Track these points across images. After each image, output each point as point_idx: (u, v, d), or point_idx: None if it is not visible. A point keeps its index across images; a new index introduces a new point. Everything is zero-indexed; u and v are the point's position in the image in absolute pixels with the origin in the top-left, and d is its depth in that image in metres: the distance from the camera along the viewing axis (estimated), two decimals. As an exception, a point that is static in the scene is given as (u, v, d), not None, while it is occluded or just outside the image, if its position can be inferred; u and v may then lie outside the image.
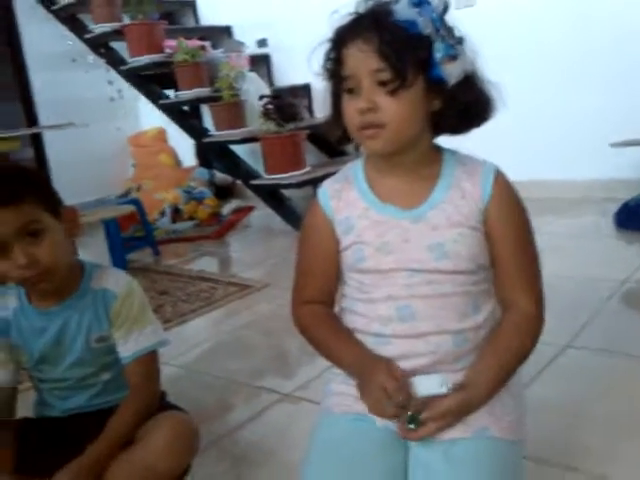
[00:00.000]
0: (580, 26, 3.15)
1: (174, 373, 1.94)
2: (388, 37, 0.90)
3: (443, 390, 0.93)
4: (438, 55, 0.91)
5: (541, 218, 2.95)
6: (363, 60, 0.91)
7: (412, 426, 0.90)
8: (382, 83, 0.91)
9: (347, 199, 1.03)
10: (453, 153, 1.03)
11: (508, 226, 0.99)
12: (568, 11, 3.17)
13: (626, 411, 1.41)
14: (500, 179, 1.00)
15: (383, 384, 0.92)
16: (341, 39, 0.95)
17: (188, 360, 2.05)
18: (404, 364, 0.97)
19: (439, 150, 1.03)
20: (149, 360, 1.24)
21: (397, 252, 0.98)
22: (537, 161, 3.36)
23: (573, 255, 2.51)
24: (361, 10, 0.95)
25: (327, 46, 0.97)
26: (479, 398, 0.95)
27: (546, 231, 2.78)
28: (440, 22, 0.92)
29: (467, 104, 0.95)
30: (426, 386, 0.94)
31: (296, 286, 1.11)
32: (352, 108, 0.94)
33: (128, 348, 1.21)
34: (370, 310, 1.00)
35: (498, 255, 0.99)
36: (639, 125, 2.89)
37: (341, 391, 1.05)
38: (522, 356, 1.00)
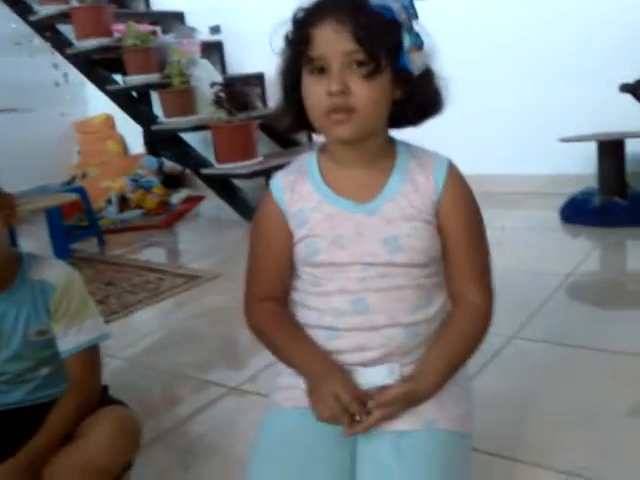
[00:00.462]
0: (534, 22, 3.20)
1: (119, 366, 1.90)
2: (364, 20, 0.88)
3: (389, 381, 0.93)
4: (407, 43, 0.91)
5: (490, 211, 2.97)
6: (336, 41, 0.88)
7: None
8: (357, 64, 0.89)
9: (301, 191, 1.01)
10: (407, 146, 1.03)
11: (460, 219, 0.99)
12: (523, 7, 3.21)
13: (571, 401, 1.43)
14: (452, 172, 1.00)
15: (336, 393, 0.91)
16: (310, 18, 0.91)
17: (134, 352, 2.01)
18: (355, 357, 0.97)
19: (393, 142, 1.02)
20: (90, 354, 1.20)
21: (351, 246, 0.97)
22: (488, 155, 3.40)
23: (521, 248, 2.55)
24: None
25: (291, 24, 0.94)
26: (427, 389, 0.94)
27: (496, 225, 2.83)
28: (412, 10, 0.92)
29: (425, 96, 0.95)
30: (372, 377, 0.94)
31: (248, 283, 1.07)
32: (320, 90, 0.91)
33: (68, 342, 1.18)
34: (323, 303, 0.99)
35: (450, 248, 1.00)
36: (589, 121, 2.95)
37: (290, 384, 1.03)
38: (471, 347, 1.00)
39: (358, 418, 0.91)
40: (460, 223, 0.99)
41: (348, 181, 0.99)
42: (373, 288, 0.96)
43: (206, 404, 1.62)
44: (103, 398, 1.23)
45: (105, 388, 1.29)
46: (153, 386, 1.78)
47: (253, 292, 1.07)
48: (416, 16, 0.92)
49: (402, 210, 0.97)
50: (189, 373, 1.81)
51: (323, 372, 0.95)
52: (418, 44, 0.91)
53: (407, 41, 0.90)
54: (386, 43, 0.89)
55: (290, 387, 1.03)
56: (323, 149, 1.03)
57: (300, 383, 1.01)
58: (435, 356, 0.97)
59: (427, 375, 0.95)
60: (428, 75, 0.95)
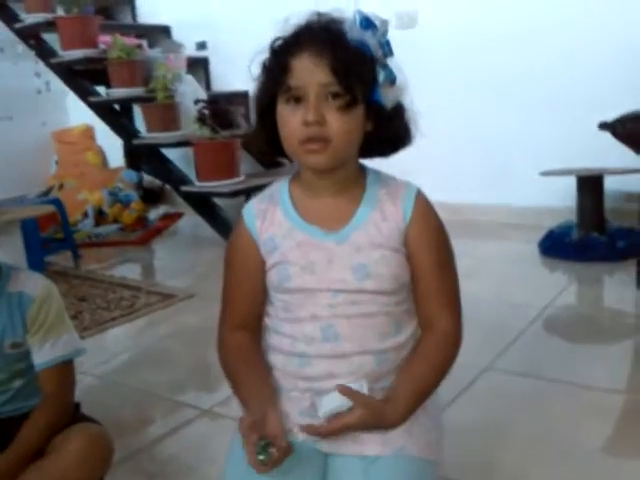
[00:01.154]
0: (518, 56, 3.24)
1: (91, 383, 1.88)
2: (342, 54, 0.90)
3: (344, 408, 0.93)
4: (381, 78, 0.93)
5: (469, 240, 3.02)
6: (314, 72, 0.90)
7: (262, 457, 0.88)
8: (332, 96, 0.91)
9: (272, 219, 1.02)
10: (377, 174, 1.05)
11: (428, 247, 1.00)
12: (508, 41, 3.26)
13: (542, 435, 1.44)
14: (421, 201, 1.01)
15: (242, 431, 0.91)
16: (289, 47, 0.93)
17: (106, 370, 1.98)
18: (325, 384, 0.97)
19: (363, 170, 1.04)
20: (64, 369, 1.20)
21: (321, 272, 0.98)
22: (468, 184, 3.44)
23: (497, 279, 2.58)
24: (313, 23, 0.94)
25: (271, 52, 0.96)
26: (395, 416, 0.95)
27: (473, 254, 2.86)
28: (387, 46, 0.95)
29: (396, 130, 0.98)
30: (328, 406, 0.94)
31: (223, 312, 1.09)
32: (295, 119, 0.92)
33: (43, 355, 1.17)
34: (296, 330, 1.00)
35: (418, 274, 1.01)
36: (569, 155, 3.00)
37: None
38: (440, 374, 1.01)
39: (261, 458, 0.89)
40: (428, 251, 1.00)
41: (318, 210, 1.01)
42: (342, 315, 0.97)
43: (178, 425, 1.60)
44: (75, 415, 1.23)
45: (77, 405, 1.28)
46: (125, 405, 1.75)
47: (227, 322, 1.08)
48: (391, 53, 0.96)
49: (371, 238, 0.98)
50: (162, 393, 1.79)
51: (254, 408, 0.96)
52: (391, 79, 0.94)
53: (381, 76, 0.93)
54: (362, 77, 0.92)
55: None
56: (295, 178, 1.05)
57: None
58: (404, 384, 0.98)
59: (396, 403, 0.96)
60: (399, 109, 0.97)
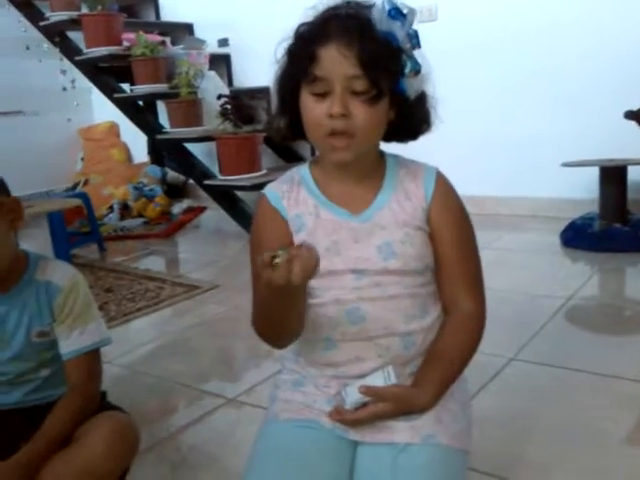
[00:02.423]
0: (539, 48, 3.23)
1: (116, 373, 1.89)
2: (371, 46, 0.89)
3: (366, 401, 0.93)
4: (407, 69, 0.92)
5: (491, 232, 3.01)
6: (342, 64, 0.89)
7: (278, 260, 0.80)
8: (359, 89, 0.90)
9: (297, 198, 1.02)
10: (395, 157, 1.05)
11: (451, 226, 1.00)
12: (527, 33, 3.24)
13: (568, 424, 1.43)
14: (441, 180, 1.02)
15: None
16: (318, 36, 0.91)
17: (131, 360, 2.00)
18: (353, 369, 0.98)
19: (382, 154, 1.05)
20: (91, 358, 1.20)
21: (346, 252, 0.97)
22: (491, 177, 3.43)
23: (522, 271, 2.56)
24: (341, 9, 0.93)
25: (296, 38, 0.95)
26: (424, 399, 0.95)
27: (496, 246, 2.85)
28: (416, 38, 0.94)
29: (418, 118, 0.98)
30: (352, 395, 0.94)
31: (255, 296, 1.04)
32: (320, 110, 0.92)
33: (70, 344, 1.17)
34: (319, 315, 0.99)
35: (441, 254, 1.01)
36: (590, 146, 2.98)
37: (287, 398, 1.03)
38: (466, 356, 1.00)
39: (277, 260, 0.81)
40: (451, 230, 1.00)
41: (342, 192, 1.01)
42: (367, 297, 0.97)
43: (202, 415, 1.61)
44: (102, 403, 1.23)
45: (104, 394, 1.29)
46: (149, 394, 1.76)
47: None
48: (419, 45, 0.94)
49: (395, 217, 0.98)
50: (186, 383, 1.80)
51: None
52: (417, 69, 0.93)
53: (407, 67, 0.92)
54: (389, 70, 0.91)
55: (287, 400, 1.03)
56: (315, 162, 1.05)
57: (298, 397, 1.02)
58: (431, 367, 0.97)
59: (424, 386, 0.96)
60: (422, 98, 0.97)
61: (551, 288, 2.31)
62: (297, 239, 1.00)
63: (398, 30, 0.91)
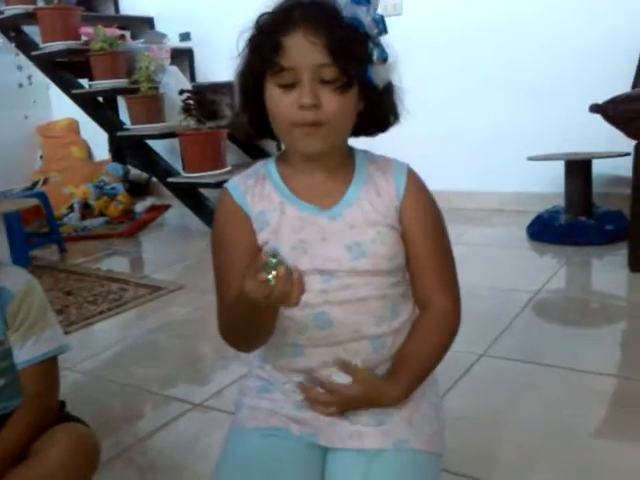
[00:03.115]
0: (503, 41, 3.24)
1: (78, 379, 1.84)
2: (339, 33, 0.85)
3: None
4: (374, 57, 0.89)
5: (459, 228, 3.01)
6: (309, 52, 0.85)
7: (271, 277, 0.76)
8: (328, 77, 0.86)
9: (261, 193, 0.96)
10: (364, 152, 1.01)
11: (423, 223, 0.97)
12: (492, 27, 3.25)
13: (540, 420, 1.43)
14: (413, 177, 0.98)
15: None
16: (282, 25, 0.87)
17: (93, 366, 1.94)
18: (322, 374, 0.94)
19: (350, 149, 1.01)
20: (48, 367, 1.15)
21: (313, 251, 0.93)
22: (456, 171, 3.44)
23: (489, 265, 2.57)
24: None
25: (258, 29, 0.90)
26: (393, 394, 0.93)
27: (463, 241, 2.85)
28: (382, 23, 0.90)
29: (386, 109, 0.95)
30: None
31: (219, 295, 0.99)
32: (288, 101, 0.87)
33: (25, 353, 1.12)
34: (285, 319, 0.94)
35: (414, 252, 0.97)
36: (555, 140, 3.00)
37: (254, 405, 1.00)
38: (440, 353, 0.98)
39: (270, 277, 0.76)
40: (424, 227, 0.97)
41: (309, 187, 0.96)
42: (335, 301, 0.92)
43: (169, 420, 1.57)
44: (60, 414, 1.18)
45: (62, 404, 1.24)
46: (114, 401, 1.72)
47: (223, 303, 0.99)
48: (385, 31, 0.91)
49: (365, 215, 0.94)
50: (151, 388, 1.76)
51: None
52: (384, 57, 0.90)
53: (374, 54, 0.89)
54: (358, 57, 0.87)
55: (254, 407, 0.99)
56: (281, 157, 1.00)
57: (265, 404, 0.98)
58: (403, 363, 0.95)
59: (394, 381, 0.93)
60: (389, 88, 0.93)
61: (519, 282, 2.32)
62: (260, 237, 0.95)
63: (364, 16, 0.87)
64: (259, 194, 0.96)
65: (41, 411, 1.11)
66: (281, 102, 0.88)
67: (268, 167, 0.99)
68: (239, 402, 1.04)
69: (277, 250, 0.82)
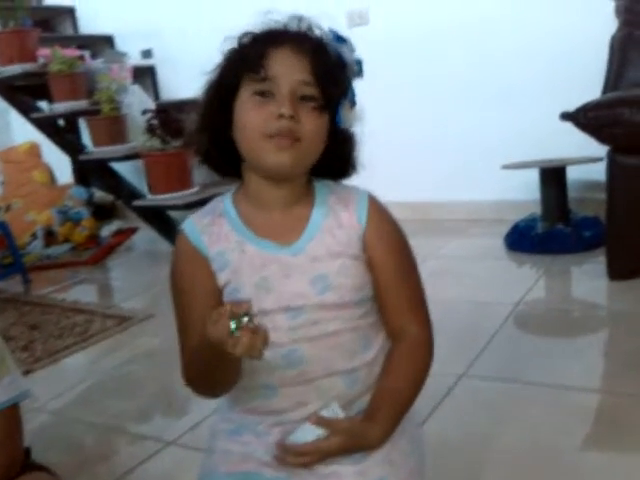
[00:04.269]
0: (474, 49, 3.22)
1: (46, 420, 1.76)
2: (324, 57, 0.88)
3: (320, 437, 0.87)
4: (348, 95, 0.91)
5: (434, 240, 2.98)
6: (293, 66, 0.86)
7: (234, 326, 0.74)
8: (306, 96, 0.87)
9: (219, 233, 0.93)
10: (323, 182, 0.99)
11: (388, 250, 0.95)
12: (462, 35, 3.23)
13: (525, 440, 1.39)
14: (374, 204, 0.96)
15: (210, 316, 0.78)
16: (271, 39, 0.88)
17: (62, 404, 1.86)
18: (296, 414, 0.91)
19: (310, 180, 0.98)
20: (9, 415, 1.07)
21: (277, 288, 0.90)
22: (430, 182, 3.41)
23: (466, 278, 2.53)
24: (291, 25, 0.91)
25: (242, 44, 0.90)
26: (375, 433, 0.90)
27: (440, 254, 2.82)
28: (359, 65, 0.93)
29: (347, 153, 0.95)
30: (301, 439, 0.88)
31: (182, 342, 0.96)
32: (264, 113, 0.85)
33: None
34: (254, 360, 0.89)
35: (382, 281, 0.95)
36: (529, 148, 2.99)
37: (226, 448, 0.96)
38: (418, 384, 0.95)
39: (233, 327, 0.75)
40: (389, 255, 0.95)
41: (268, 223, 0.93)
42: (304, 338, 0.90)
43: (143, 460, 1.50)
44: (25, 462, 1.11)
45: (27, 451, 1.16)
46: (84, 441, 1.65)
47: (187, 347, 0.95)
48: (361, 75, 0.93)
49: (328, 247, 0.92)
50: (123, 425, 1.69)
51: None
52: (353, 101, 0.93)
53: (348, 93, 0.92)
54: (337, 84, 0.89)
55: (225, 451, 0.96)
56: (238, 191, 0.97)
57: (238, 447, 0.95)
58: (381, 401, 0.92)
59: (375, 421, 0.90)
60: (353, 136, 0.95)
61: (498, 295, 2.28)
62: (220, 278, 0.91)
63: (346, 53, 0.91)
64: (217, 234, 0.94)
65: (4, 462, 1.05)
66: (256, 112, 0.87)
67: (225, 204, 0.97)
68: (210, 444, 1.00)
69: (240, 299, 0.80)
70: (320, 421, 0.87)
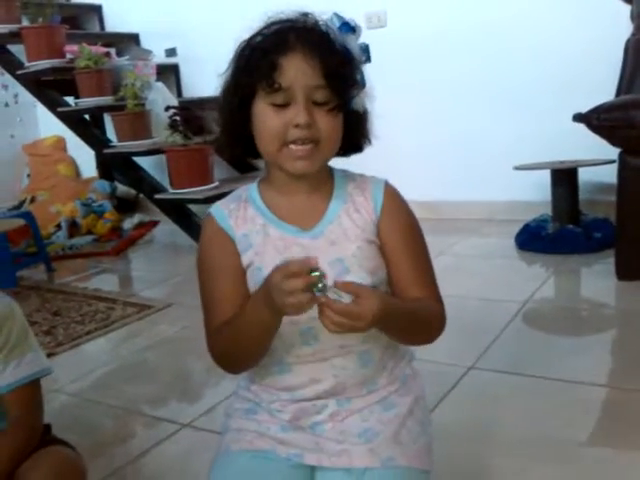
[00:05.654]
0: (488, 51, 3.26)
1: (66, 401, 1.82)
2: (334, 58, 0.90)
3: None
4: (359, 83, 0.94)
5: (447, 238, 3.02)
6: (306, 74, 0.88)
7: (319, 289, 0.78)
8: (321, 99, 0.90)
9: (244, 217, 0.99)
10: (343, 171, 1.04)
11: (400, 233, 0.99)
12: (476, 38, 3.26)
13: (532, 432, 1.42)
14: (389, 191, 1.00)
15: (277, 274, 0.81)
16: (281, 47, 0.89)
17: (81, 387, 1.92)
18: (308, 391, 0.95)
19: (330, 169, 1.03)
20: (30, 391, 1.13)
21: None
22: (443, 182, 3.45)
23: (477, 276, 2.56)
24: (298, 23, 0.92)
25: (252, 48, 0.91)
26: (381, 312, 0.83)
27: (453, 252, 2.85)
28: (367, 52, 0.95)
29: (362, 133, 0.99)
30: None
31: (207, 318, 0.99)
32: (282, 121, 0.89)
33: (6, 377, 1.10)
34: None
35: (395, 263, 0.98)
36: (541, 149, 3.01)
37: (240, 427, 0.99)
38: (426, 327, 0.97)
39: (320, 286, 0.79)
40: (401, 237, 0.98)
41: (291, 208, 0.98)
42: None
43: (159, 441, 1.55)
44: (46, 438, 1.16)
45: (48, 427, 1.22)
46: (103, 422, 1.70)
47: (213, 325, 0.98)
48: (369, 60, 0.96)
49: (345, 231, 0.96)
50: (141, 408, 1.74)
51: (263, 285, 0.86)
52: (363, 84, 0.95)
53: (359, 81, 0.94)
54: (348, 82, 0.92)
55: (239, 429, 0.99)
56: (263, 180, 1.02)
57: (251, 425, 0.98)
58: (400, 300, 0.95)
59: (388, 304, 0.86)
60: (365, 113, 0.97)
61: (508, 292, 2.31)
62: (244, 258, 0.97)
63: (353, 44, 0.93)
64: (242, 217, 0.99)
65: (25, 435, 1.09)
66: (274, 121, 0.90)
67: (250, 191, 1.02)
68: (225, 424, 1.04)
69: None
70: (345, 285, 0.83)
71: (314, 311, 0.90)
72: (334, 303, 0.80)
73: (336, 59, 0.90)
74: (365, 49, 0.95)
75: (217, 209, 1.01)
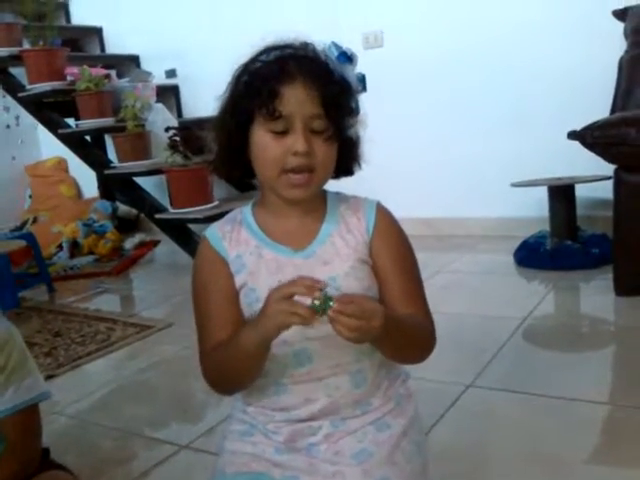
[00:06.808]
0: (484, 70, 3.29)
1: (66, 423, 1.82)
2: (333, 88, 0.92)
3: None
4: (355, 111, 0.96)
5: (446, 255, 3.02)
6: (305, 103, 0.90)
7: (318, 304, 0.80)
8: (318, 127, 0.91)
9: (238, 239, 1.00)
10: (336, 193, 1.06)
11: (392, 253, 1.00)
12: (473, 56, 3.30)
13: (531, 451, 1.41)
14: (381, 212, 1.02)
15: (275, 293, 0.84)
16: (282, 75, 0.90)
17: (81, 409, 1.92)
18: (303, 412, 0.96)
19: (323, 191, 1.05)
20: (28, 415, 1.14)
21: None
22: (443, 199, 3.45)
23: (476, 292, 2.57)
24: (299, 51, 0.93)
25: (254, 77, 0.92)
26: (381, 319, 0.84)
27: (452, 269, 2.85)
28: (363, 82, 0.95)
29: (354, 158, 1.01)
30: None
31: (201, 339, 1.01)
32: (281, 149, 0.91)
33: (4, 402, 1.11)
34: (268, 358, 0.95)
35: (386, 282, 0.99)
36: (538, 166, 3.03)
37: (235, 449, 1.00)
38: (417, 343, 0.98)
39: (317, 302, 0.81)
40: (392, 256, 1.00)
41: (284, 230, 1.00)
42: (315, 337, 0.93)
43: (158, 463, 1.55)
44: (44, 462, 1.17)
45: (46, 451, 1.22)
46: (102, 444, 1.69)
47: (206, 346, 1.00)
48: (365, 89, 0.97)
49: (337, 251, 0.97)
50: (140, 429, 1.74)
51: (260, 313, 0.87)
52: (357, 111, 0.97)
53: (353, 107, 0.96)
54: (345, 112, 0.94)
55: (234, 452, 0.99)
56: (257, 202, 1.04)
57: (247, 448, 0.98)
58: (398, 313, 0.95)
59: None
60: (357, 140, 1.00)
61: (506, 309, 2.32)
62: (238, 279, 0.98)
63: (350, 73, 0.96)
64: (236, 239, 1.00)
65: (22, 460, 1.10)
66: (273, 148, 0.92)
67: (244, 214, 1.04)
68: (220, 446, 1.04)
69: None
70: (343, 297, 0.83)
71: (308, 330, 0.91)
72: (346, 308, 0.81)
73: (335, 89, 0.92)
74: (362, 79, 0.98)
75: (211, 232, 1.03)
